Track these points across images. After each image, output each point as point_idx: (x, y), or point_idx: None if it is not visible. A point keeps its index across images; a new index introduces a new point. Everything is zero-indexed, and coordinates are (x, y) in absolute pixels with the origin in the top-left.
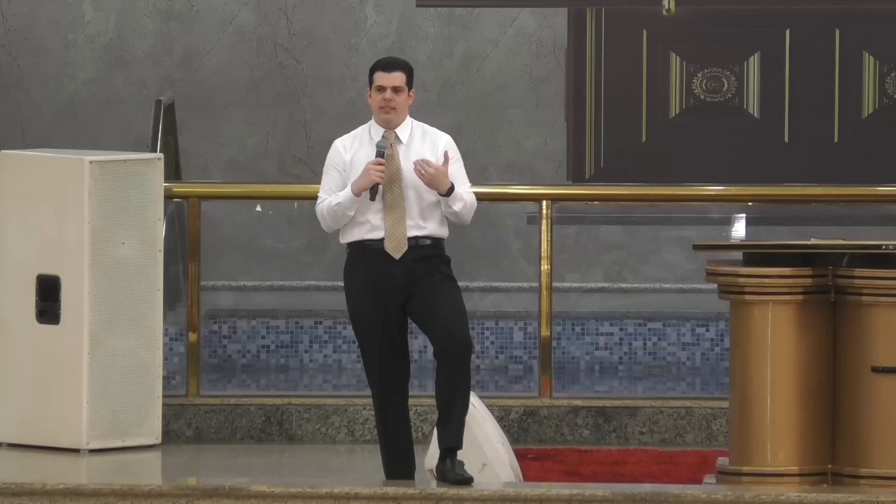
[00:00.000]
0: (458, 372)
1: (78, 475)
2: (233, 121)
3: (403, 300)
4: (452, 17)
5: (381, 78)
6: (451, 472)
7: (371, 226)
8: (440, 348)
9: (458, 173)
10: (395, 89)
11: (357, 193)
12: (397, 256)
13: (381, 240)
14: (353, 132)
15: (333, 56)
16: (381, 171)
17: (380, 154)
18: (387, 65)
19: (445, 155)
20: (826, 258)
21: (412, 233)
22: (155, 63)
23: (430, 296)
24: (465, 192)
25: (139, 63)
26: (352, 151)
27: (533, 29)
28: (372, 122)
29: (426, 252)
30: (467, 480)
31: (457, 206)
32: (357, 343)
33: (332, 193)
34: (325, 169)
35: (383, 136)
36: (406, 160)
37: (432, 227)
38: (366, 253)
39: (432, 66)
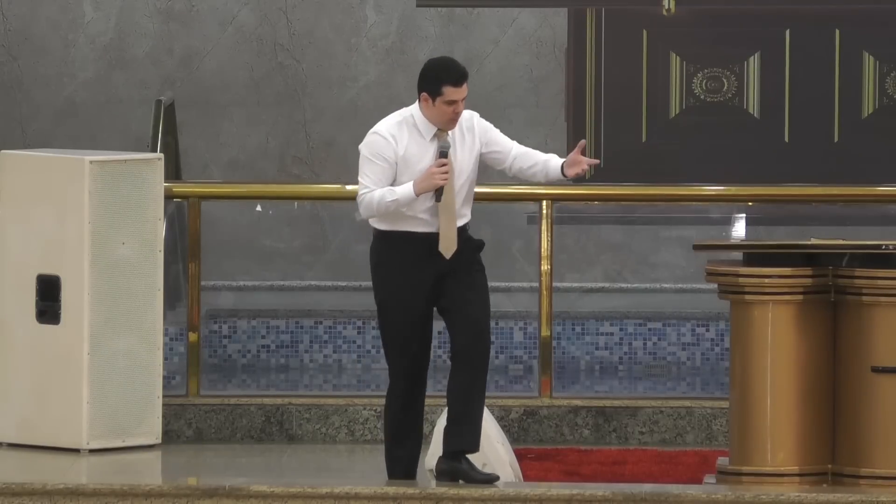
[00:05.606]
0: (480, 372)
1: (78, 475)
2: (233, 121)
3: (441, 287)
4: (452, 17)
5: (453, 93)
6: (476, 472)
7: (421, 220)
8: (464, 345)
9: (501, 137)
10: (462, 99)
11: (419, 195)
12: (448, 256)
13: (430, 234)
14: (393, 119)
15: (333, 56)
16: (447, 174)
17: (443, 155)
18: (457, 79)
19: (581, 144)
20: (826, 258)
21: (459, 223)
22: (155, 63)
23: (467, 289)
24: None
25: (139, 63)
26: (403, 145)
27: (533, 29)
28: (418, 115)
29: (464, 235)
30: (493, 479)
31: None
32: (381, 331)
33: (379, 184)
34: (369, 156)
35: (436, 135)
36: (454, 155)
37: (468, 212)
38: (410, 244)
39: None
